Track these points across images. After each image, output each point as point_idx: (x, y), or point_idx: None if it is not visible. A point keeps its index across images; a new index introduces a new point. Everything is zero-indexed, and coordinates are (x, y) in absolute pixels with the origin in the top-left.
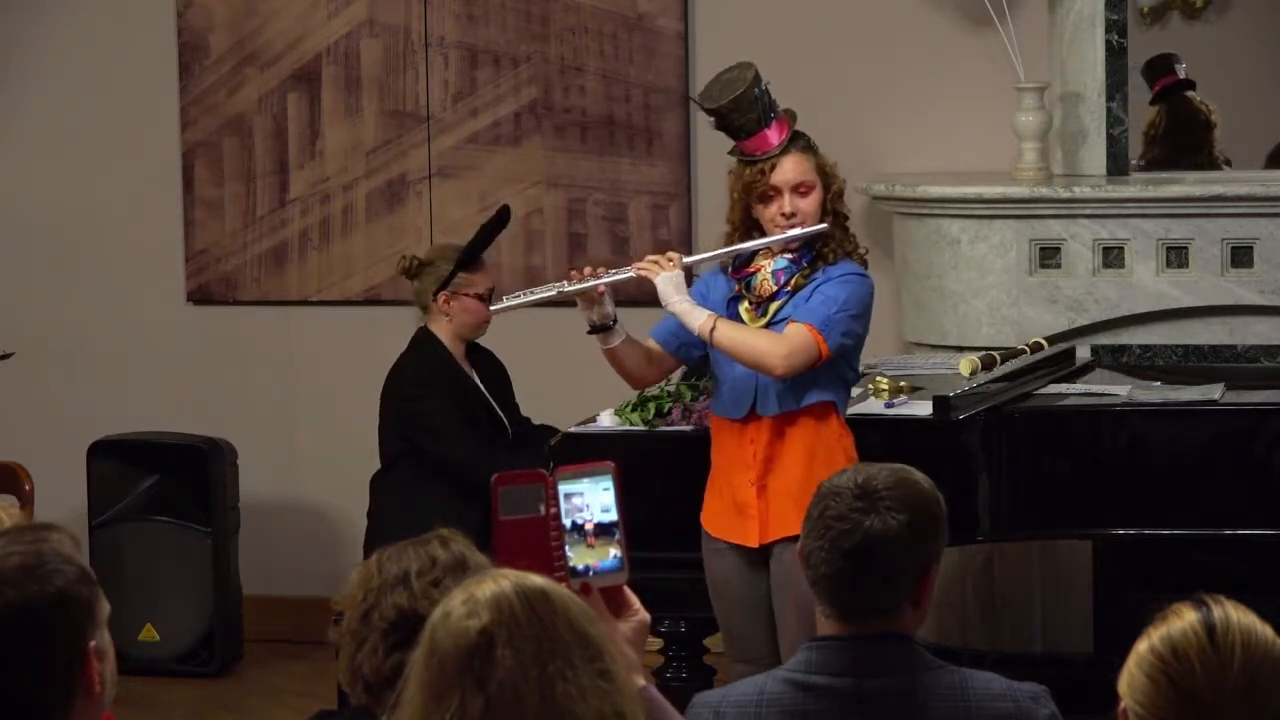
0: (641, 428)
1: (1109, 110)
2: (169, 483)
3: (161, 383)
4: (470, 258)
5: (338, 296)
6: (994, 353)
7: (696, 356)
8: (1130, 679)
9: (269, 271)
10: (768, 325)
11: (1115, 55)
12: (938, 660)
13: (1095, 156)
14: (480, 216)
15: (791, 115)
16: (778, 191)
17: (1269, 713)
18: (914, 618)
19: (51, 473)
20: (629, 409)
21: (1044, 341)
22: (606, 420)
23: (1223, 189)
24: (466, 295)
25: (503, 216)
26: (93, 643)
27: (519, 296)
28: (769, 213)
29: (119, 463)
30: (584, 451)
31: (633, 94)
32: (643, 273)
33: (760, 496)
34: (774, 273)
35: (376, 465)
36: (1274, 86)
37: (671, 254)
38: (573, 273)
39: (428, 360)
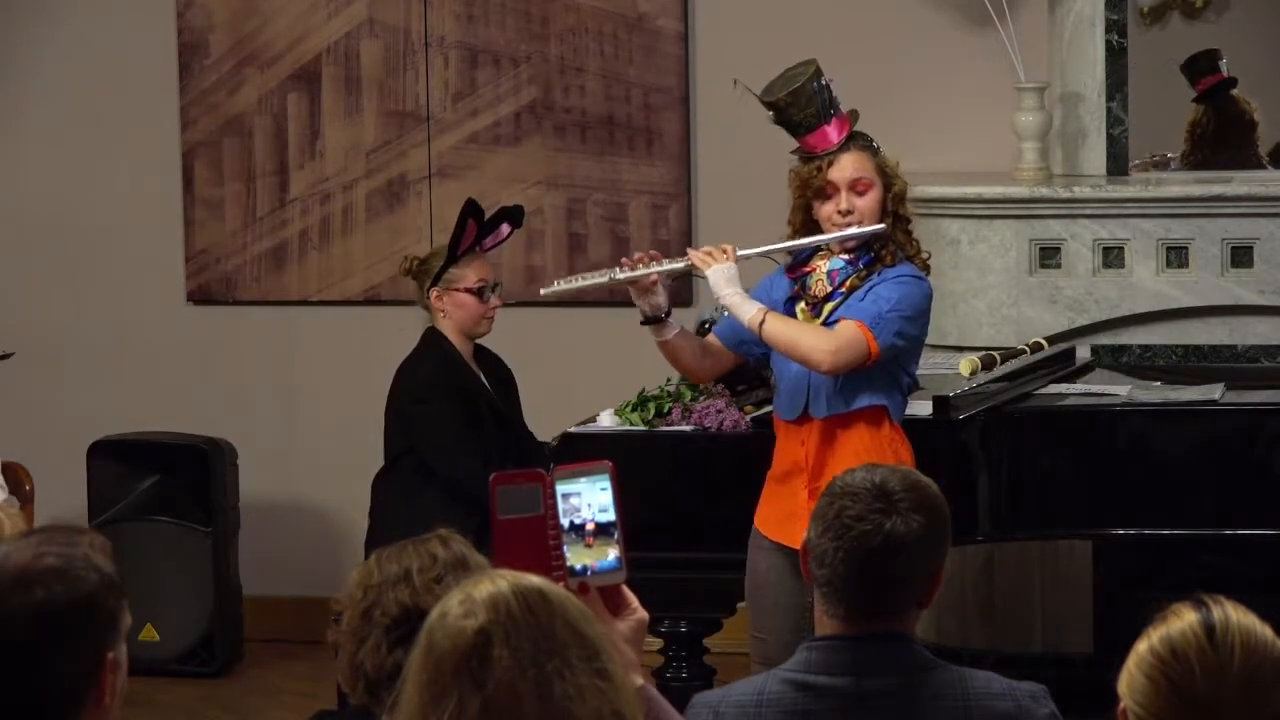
0: (641, 428)
1: (1109, 110)
2: (169, 483)
3: (161, 383)
4: (453, 252)
5: (338, 296)
6: (994, 353)
7: (756, 354)
8: (1130, 679)
9: (269, 271)
10: (826, 325)
11: (1115, 55)
12: (938, 660)
13: (1095, 156)
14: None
15: (854, 114)
16: (835, 189)
17: (1268, 713)
18: (916, 618)
19: (51, 473)
20: (629, 409)
21: (1044, 341)
22: (606, 420)
23: (1223, 189)
24: (457, 290)
25: (503, 213)
26: (111, 654)
27: (571, 281)
28: (826, 210)
29: (119, 463)
30: (584, 451)
31: (633, 94)
32: (698, 262)
33: (811, 499)
34: (829, 273)
35: (376, 465)
36: (1274, 86)
37: (726, 246)
38: (624, 260)
39: (435, 361)
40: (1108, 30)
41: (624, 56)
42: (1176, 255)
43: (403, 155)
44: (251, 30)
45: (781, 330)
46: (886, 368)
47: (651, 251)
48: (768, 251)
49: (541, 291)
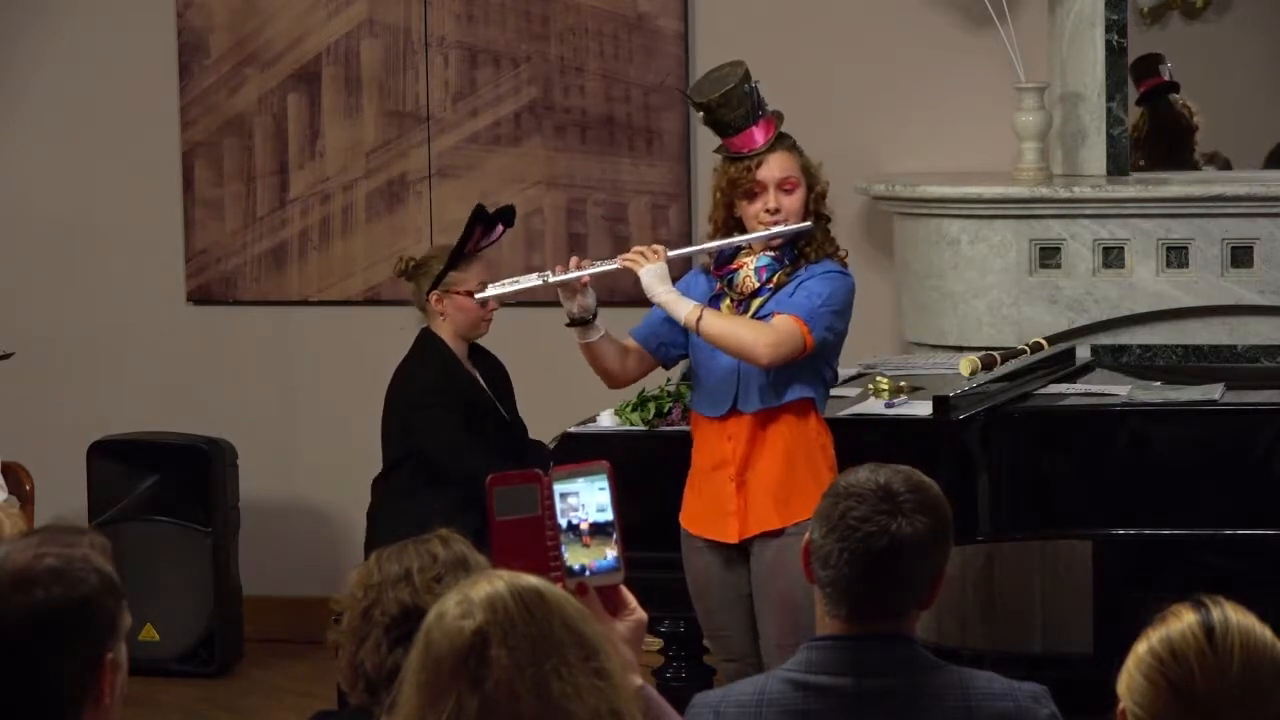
0: (641, 428)
1: (1109, 110)
2: (169, 483)
3: (161, 383)
4: (457, 256)
5: (338, 296)
6: (994, 353)
7: (674, 356)
8: (1129, 680)
9: (269, 271)
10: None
11: (1115, 55)
12: (938, 660)
13: (1095, 156)
14: None
15: (779, 116)
16: (763, 188)
17: (1268, 714)
18: (917, 618)
19: (51, 473)
20: (629, 409)
21: (1044, 341)
22: (606, 420)
23: (1223, 189)
24: (458, 293)
25: (496, 214)
26: (110, 654)
27: (504, 285)
28: (753, 209)
29: (119, 463)
30: (584, 451)
31: (633, 94)
32: (628, 264)
33: (740, 492)
34: (756, 269)
35: (376, 465)
36: (1274, 86)
37: (657, 246)
38: (558, 266)
39: (432, 364)
40: (1108, 30)
41: (624, 56)
42: (1176, 255)
43: (403, 155)
44: (251, 30)
45: (720, 325)
46: (812, 361)
47: (579, 259)
48: (698, 251)
49: (475, 296)
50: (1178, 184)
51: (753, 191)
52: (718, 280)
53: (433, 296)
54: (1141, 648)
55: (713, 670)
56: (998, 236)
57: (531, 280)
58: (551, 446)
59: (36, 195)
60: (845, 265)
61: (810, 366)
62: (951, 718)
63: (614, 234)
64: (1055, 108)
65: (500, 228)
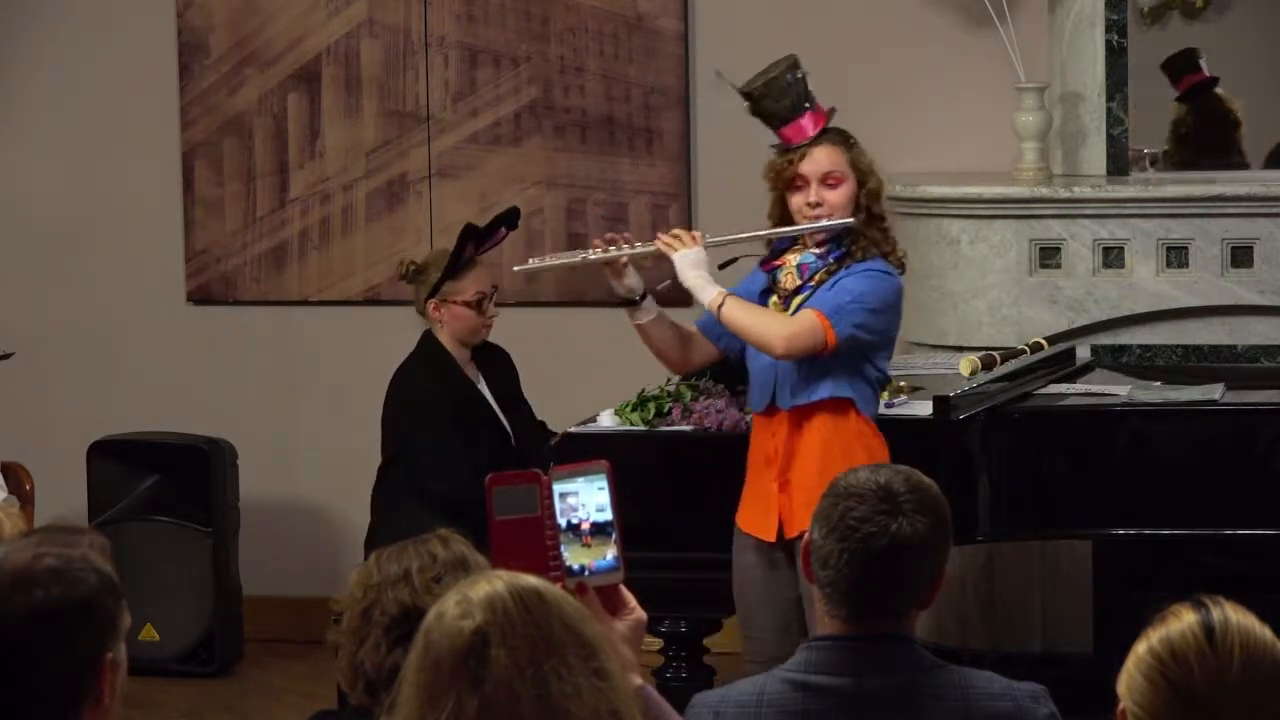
0: (641, 428)
1: (1109, 110)
2: (169, 483)
3: (161, 383)
4: (452, 268)
5: (338, 296)
6: (994, 353)
7: (737, 348)
8: (1129, 680)
9: (269, 271)
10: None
11: (1115, 55)
12: (937, 660)
13: (1095, 156)
14: (480, 216)
15: (832, 110)
16: (805, 182)
17: (1268, 714)
18: (916, 618)
19: (51, 473)
20: (629, 409)
21: (1044, 341)
22: (606, 420)
23: (1223, 189)
24: (454, 303)
25: (497, 220)
26: (110, 654)
27: (544, 259)
28: (796, 202)
29: (119, 463)
30: (584, 451)
31: (633, 94)
32: (664, 247)
33: (782, 491)
34: (799, 266)
35: (376, 465)
36: (1274, 86)
37: (695, 232)
38: (596, 242)
39: (429, 366)
40: (1108, 30)
41: (624, 56)
42: (1176, 255)
43: (403, 155)
44: (251, 30)
45: (739, 314)
46: (850, 360)
47: (625, 234)
48: (735, 240)
49: (515, 268)
50: (1178, 184)
51: (796, 184)
52: (767, 275)
53: (430, 304)
54: (1141, 648)
55: (713, 670)
56: (998, 236)
57: (570, 257)
58: (551, 445)
59: (36, 195)
60: (902, 266)
61: (847, 365)
62: (951, 717)
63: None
64: (1055, 108)
65: (503, 230)
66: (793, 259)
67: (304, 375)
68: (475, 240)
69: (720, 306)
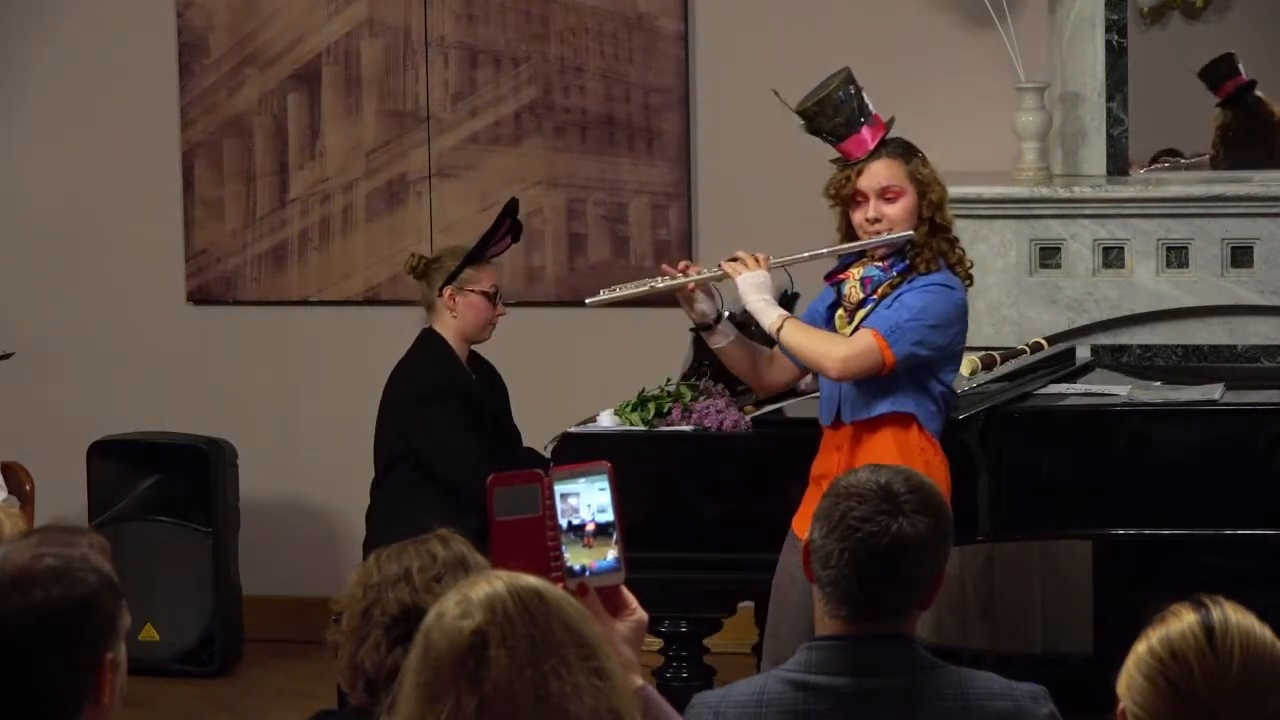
0: (641, 428)
1: (1109, 110)
2: (169, 483)
3: (161, 383)
4: (480, 251)
5: (337, 296)
6: (994, 353)
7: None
8: (1129, 680)
9: (269, 271)
10: (854, 333)
11: (1115, 55)
12: (937, 660)
13: (1095, 156)
14: (480, 216)
15: (890, 119)
16: (864, 197)
17: (1267, 714)
18: (916, 618)
19: (51, 473)
20: (629, 409)
21: (1044, 341)
22: (606, 420)
23: (1223, 189)
24: (472, 292)
25: (510, 209)
26: (110, 654)
27: (614, 290)
28: (857, 218)
29: (119, 463)
30: (584, 451)
31: (633, 94)
32: (728, 271)
33: None
34: (862, 280)
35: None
36: (1274, 86)
37: (760, 254)
38: (665, 268)
39: (434, 363)
40: (1108, 30)
41: (624, 56)
42: (1176, 255)
43: (403, 155)
44: (251, 30)
45: (797, 337)
46: (913, 375)
47: (688, 263)
48: (799, 260)
49: (586, 302)
50: (1178, 184)
51: (856, 200)
52: (832, 288)
53: (446, 291)
54: (1141, 648)
55: (713, 670)
56: (997, 236)
57: (638, 287)
58: (551, 446)
59: (36, 195)
60: (970, 278)
61: (910, 381)
62: (951, 718)
63: (614, 234)
64: (1055, 108)
65: (508, 240)
66: (856, 272)
67: (304, 375)
68: (483, 241)
69: (779, 330)
